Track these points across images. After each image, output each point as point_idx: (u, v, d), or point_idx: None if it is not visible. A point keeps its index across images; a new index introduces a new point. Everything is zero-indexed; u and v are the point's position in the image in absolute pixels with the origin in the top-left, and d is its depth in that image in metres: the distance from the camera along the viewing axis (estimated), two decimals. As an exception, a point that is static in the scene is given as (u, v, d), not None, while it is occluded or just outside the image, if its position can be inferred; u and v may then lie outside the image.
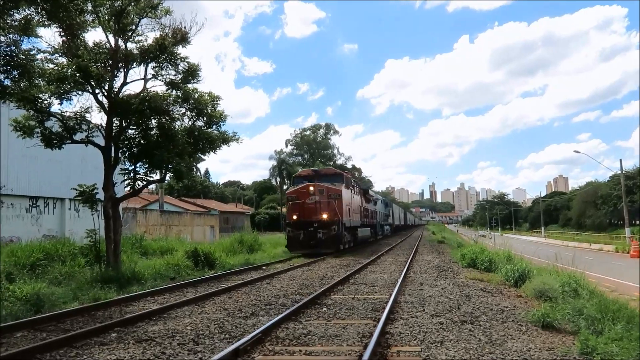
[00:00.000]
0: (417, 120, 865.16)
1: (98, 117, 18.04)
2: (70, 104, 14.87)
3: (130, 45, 15.25)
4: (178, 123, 16.23)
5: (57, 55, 14.17)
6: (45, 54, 13.97)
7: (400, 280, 13.08)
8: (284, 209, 43.79)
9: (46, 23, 12.55)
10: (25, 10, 11.53)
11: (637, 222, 56.46)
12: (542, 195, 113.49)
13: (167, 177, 16.93)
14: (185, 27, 15.31)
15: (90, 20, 14.39)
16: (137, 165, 15.88)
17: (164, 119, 15.60)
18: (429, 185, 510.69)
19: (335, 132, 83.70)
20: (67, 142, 14.80)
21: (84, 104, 14.84)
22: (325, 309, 9.63)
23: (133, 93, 15.32)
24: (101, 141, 15.12)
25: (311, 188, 24.20)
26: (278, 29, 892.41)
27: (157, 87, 15.91)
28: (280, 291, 12.06)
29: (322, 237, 23.42)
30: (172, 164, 15.58)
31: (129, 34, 15.06)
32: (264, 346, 6.79)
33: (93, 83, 14.42)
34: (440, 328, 7.76)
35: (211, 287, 13.12)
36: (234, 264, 19.16)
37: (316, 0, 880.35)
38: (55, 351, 6.69)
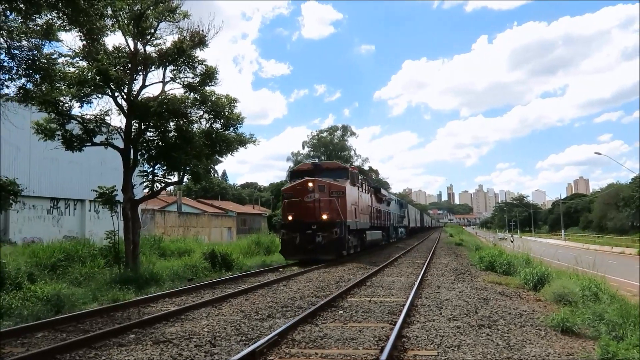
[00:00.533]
0: (435, 121, 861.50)
1: (117, 120, 18.27)
2: (90, 106, 15.13)
3: (149, 49, 15.45)
4: (196, 125, 16.37)
5: (77, 59, 14.41)
6: (66, 58, 14.25)
7: (417, 283, 13.00)
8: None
9: (67, 27, 12.73)
10: (47, 15, 11.72)
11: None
12: (562, 197, 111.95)
13: (185, 179, 17.07)
14: (203, 30, 15.45)
15: (110, 24, 14.58)
16: (156, 167, 16.05)
17: (181, 122, 15.74)
18: (446, 187, 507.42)
19: (352, 133, 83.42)
20: (87, 144, 15.03)
21: (104, 107, 15.12)
22: (341, 311, 9.61)
23: (152, 96, 15.50)
24: (120, 143, 15.31)
25: (310, 184, 21.13)
26: (295, 31, 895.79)
27: (175, 89, 16.11)
28: (296, 293, 12.07)
29: (322, 241, 20.33)
30: (190, 165, 15.72)
31: (148, 37, 15.23)
32: (280, 348, 6.80)
33: (113, 86, 14.63)
34: (457, 332, 7.69)
35: (228, 288, 13.18)
36: (251, 266, 19.25)
37: (333, 0, 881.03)
38: (75, 352, 6.79)
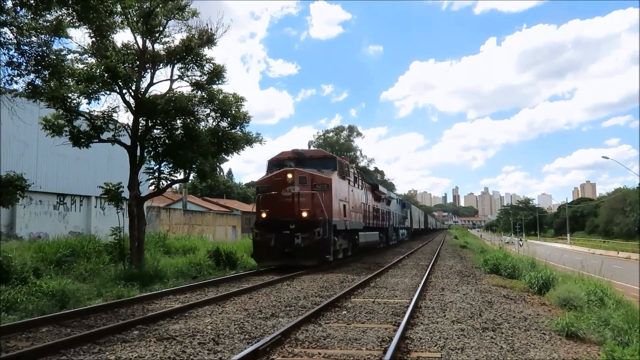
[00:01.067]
0: (442, 123, 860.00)
1: (125, 117, 18.33)
2: (98, 103, 15.26)
3: (157, 47, 15.52)
4: (202, 123, 16.43)
5: (86, 55, 14.49)
6: (75, 55, 14.33)
7: (421, 285, 12.97)
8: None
9: (76, 24, 12.81)
10: (56, 12, 11.79)
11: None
12: (569, 201, 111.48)
13: (191, 177, 17.14)
14: (211, 29, 15.50)
15: (119, 21, 14.66)
16: (162, 164, 16.12)
17: (188, 120, 15.79)
18: (452, 189, 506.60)
19: (359, 134, 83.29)
20: (95, 141, 15.09)
21: (112, 104, 15.19)
22: (345, 312, 9.60)
23: (159, 93, 15.56)
24: (127, 140, 15.37)
25: (289, 175, 17.79)
26: (303, 31, 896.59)
27: (183, 87, 16.17)
28: (300, 293, 12.08)
29: (302, 244, 16.95)
30: (196, 164, 15.78)
31: (157, 35, 15.29)
32: (284, 348, 6.81)
33: (121, 83, 14.68)
34: (461, 334, 7.67)
35: (232, 287, 13.21)
36: (255, 264, 19.27)
37: (342, 0, 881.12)
38: (79, 347, 6.82)
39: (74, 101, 14.43)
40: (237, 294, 11.79)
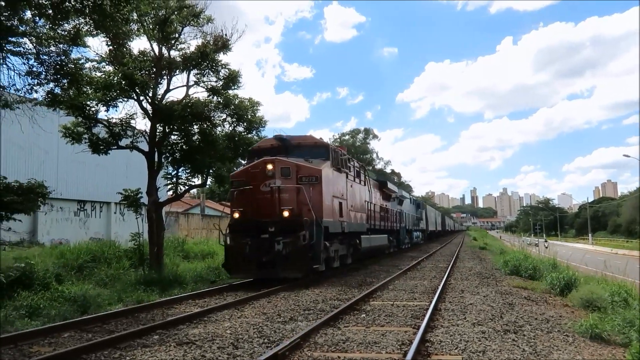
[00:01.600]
0: (458, 124, 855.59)
1: (142, 124, 18.55)
2: (116, 110, 15.44)
3: (173, 53, 15.68)
4: (219, 129, 16.56)
5: (104, 63, 14.70)
6: (93, 63, 14.55)
7: (440, 287, 12.86)
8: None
9: (94, 33, 13.00)
10: (74, 21, 11.97)
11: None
12: (590, 201, 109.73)
13: (209, 182, 17.25)
14: (226, 35, 15.62)
15: (135, 29, 14.84)
16: (180, 170, 16.26)
17: (205, 125, 15.91)
18: (470, 190, 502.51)
19: (375, 136, 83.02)
20: (113, 147, 15.29)
21: (129, 111, 15.41)
22: (364, 315, 9.55)
23: (176, 99, 15.72)
24: (145, 147, 15.53)
25: (268, 166, 14.18)
26: (318, 34, 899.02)
27: (199, 93, 16.32)
28: (318, 296, 12.04)
29: (283, 251, 13.54)
30: (214, 168, 15.89)
31: (172, 42, 15.45)
32: (303, 352, 6.78)
33: (138, 90, 14.85)
34: (482, 337, 7.56)
35: (250, 290, 13.22)
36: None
37: (356, 0, 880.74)
38: (100, 352, 6.87)
39: (93, 109, 14.65)
40: (256, 298, 11.80)
